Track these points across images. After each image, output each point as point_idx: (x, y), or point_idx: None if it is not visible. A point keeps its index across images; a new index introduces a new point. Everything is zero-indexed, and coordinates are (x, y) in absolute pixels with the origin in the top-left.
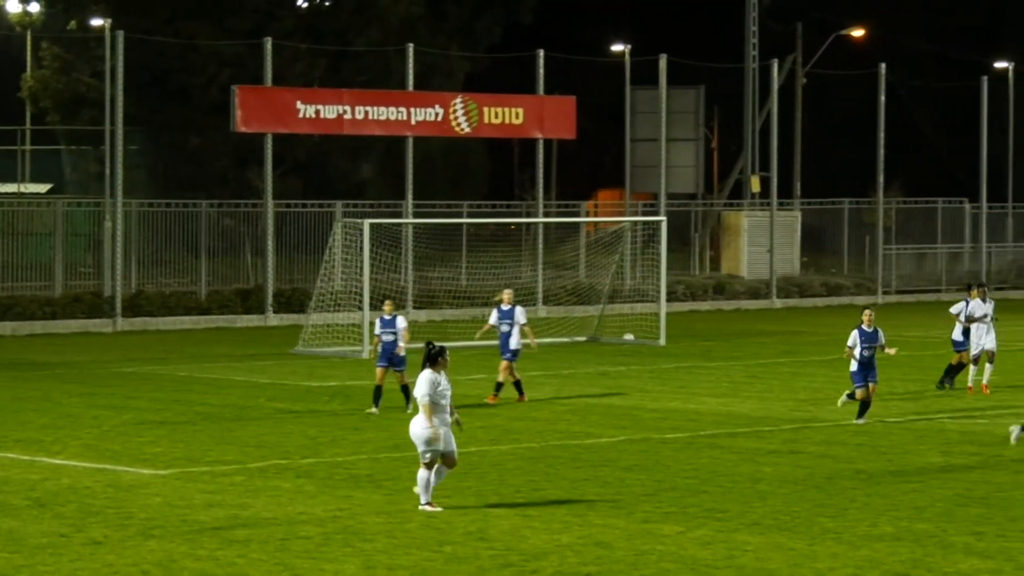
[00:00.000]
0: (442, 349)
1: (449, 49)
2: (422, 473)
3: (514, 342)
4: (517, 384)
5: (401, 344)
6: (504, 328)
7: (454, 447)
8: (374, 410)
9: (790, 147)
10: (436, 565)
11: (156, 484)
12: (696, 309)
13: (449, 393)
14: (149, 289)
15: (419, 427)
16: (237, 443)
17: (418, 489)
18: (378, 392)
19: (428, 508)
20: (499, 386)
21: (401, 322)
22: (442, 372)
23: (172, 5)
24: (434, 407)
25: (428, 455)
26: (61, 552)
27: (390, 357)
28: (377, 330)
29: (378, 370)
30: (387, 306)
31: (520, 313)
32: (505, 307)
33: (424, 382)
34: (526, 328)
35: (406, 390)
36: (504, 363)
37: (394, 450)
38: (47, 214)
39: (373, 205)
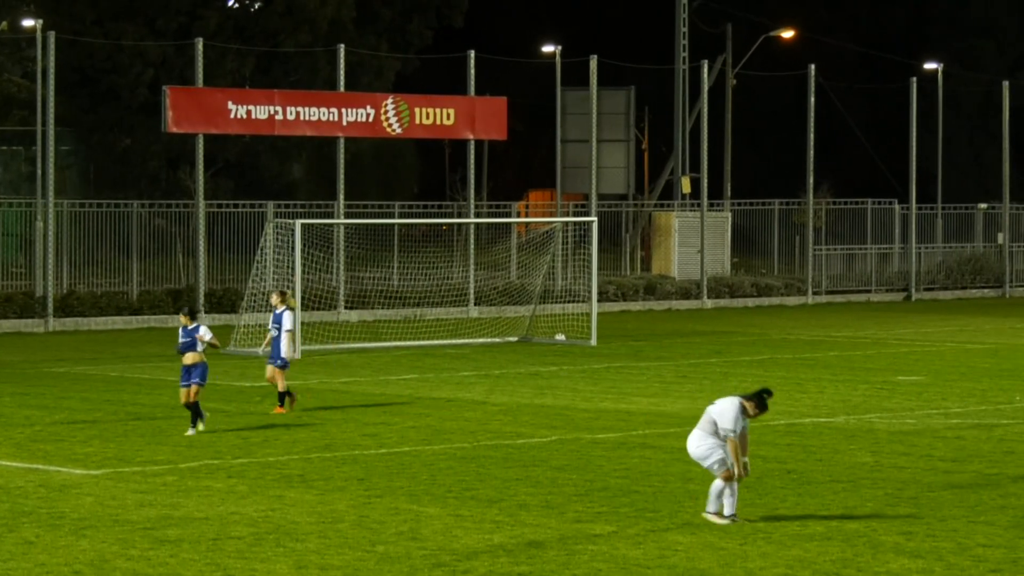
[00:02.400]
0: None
1: (379, 50)
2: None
3: (284, 348)
4: (281, 395)
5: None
6: (273, 332)
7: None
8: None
9: (720, 148)
10: (368, 565)
11: (88, 484)
12: (627, 309)
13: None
14: (81, 289)
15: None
16: (169, 443)
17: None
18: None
19: (715, 519)
20: (282, 396)
21: (205, 331)
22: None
23: (100, 6)
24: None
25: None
26: None
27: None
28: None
29: (269, 368)
30: (274, 298)
31: (288, 319)
32: (278, 310)
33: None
34: (291, 335)
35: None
36: (271, 369)
37: (325, 450)
38: None
39: (305, 205)
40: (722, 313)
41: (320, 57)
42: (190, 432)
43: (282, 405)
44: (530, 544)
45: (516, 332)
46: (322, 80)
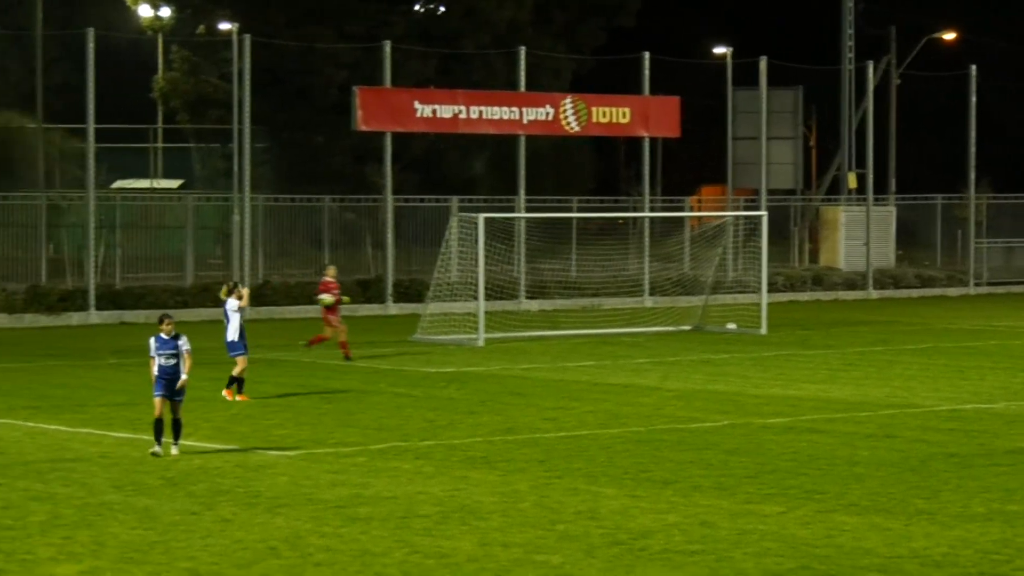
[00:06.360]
0: None
1: (555, 51)
2: None
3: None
4: (236, 380)
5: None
6: (243, 320)
7: None
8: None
9: (885, 145)
10: (548, 543)
11: (283, 464)
12: (795, 299)
13: None
14: (275, 280)
15: None
16: (359, 426)
17: None
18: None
19: None
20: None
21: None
22: None
23: (292, 10)
24: None
25: None
26: (193, 529)
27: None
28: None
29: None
30: (228, 290)
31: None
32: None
33: None
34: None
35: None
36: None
37: (508, 433)
38: (178, 208)
39: (487, 200)
40: (887, 303)
41: (498, 58)
42: (173, 452)
43: (230, 388)
44: (703, 524)
45: (689, 321)
46: (501, 80)
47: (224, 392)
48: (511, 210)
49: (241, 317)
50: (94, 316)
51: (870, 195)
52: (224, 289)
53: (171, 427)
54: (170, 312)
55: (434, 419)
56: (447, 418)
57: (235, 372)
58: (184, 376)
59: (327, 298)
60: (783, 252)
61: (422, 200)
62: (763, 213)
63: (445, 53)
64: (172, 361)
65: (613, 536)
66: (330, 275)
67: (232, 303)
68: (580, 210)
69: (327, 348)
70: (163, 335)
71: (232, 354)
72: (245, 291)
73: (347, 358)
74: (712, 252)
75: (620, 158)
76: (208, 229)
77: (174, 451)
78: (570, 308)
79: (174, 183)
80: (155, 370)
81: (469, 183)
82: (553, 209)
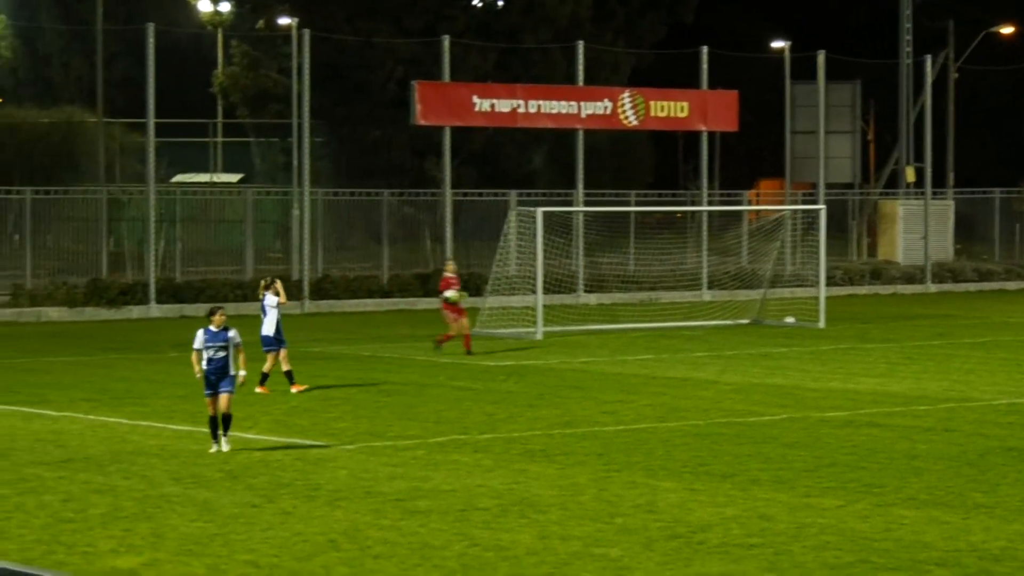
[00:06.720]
0: None
1: (615, 46)
2: None
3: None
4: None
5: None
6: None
7: None
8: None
9: (943, 139)
10: (607, 535)
11: (342, 457)
12: (854, 293)
13: None
14: (334, 273)
15: None
16: (418, 419)
17: None
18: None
19: None
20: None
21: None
22: None
23: (351, 5)
24: None
25: None
26: (253, 521)
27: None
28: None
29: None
30: (266, 286)
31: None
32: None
33: None
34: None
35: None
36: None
37: (567, 427)
38: (238, 202)
39: (545, 194)
40: (945, 297)
41: (557, 53)
42: (224, 448)
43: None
44: (761, 517)
45: (747, 315)
46: (560, 75)
47: (258, 388)
48: (569, 204)
49: (279, 312)
50: (154, 310)
51: (928, 189)
52: (262, 285)
53: (221, 422)
54: (222, 305)
55: (493, 412)
56: (506, 411)
57: (265, 368)
58: (242, 372)
59: (454, 294)
60: (841, 246)
61: (481, 194)
62: (821, 207)
63: (504, 48)
64: (221, 354)
65: (672, 529)
66: (450, 270)
67: (271, 299)
68: (638, 204)
69: (413, 342)
70: (212, 327)
71: (265, 349)
72: (280, 286)
73: (468, 352)
74: (770, 246)
75: (679, 152)
76: (268, 223)
77: (225, 447)
78: (628, 302)
79: (234, 177)
80: (203, 364)
81: (527, 177)
82: (611, 203)
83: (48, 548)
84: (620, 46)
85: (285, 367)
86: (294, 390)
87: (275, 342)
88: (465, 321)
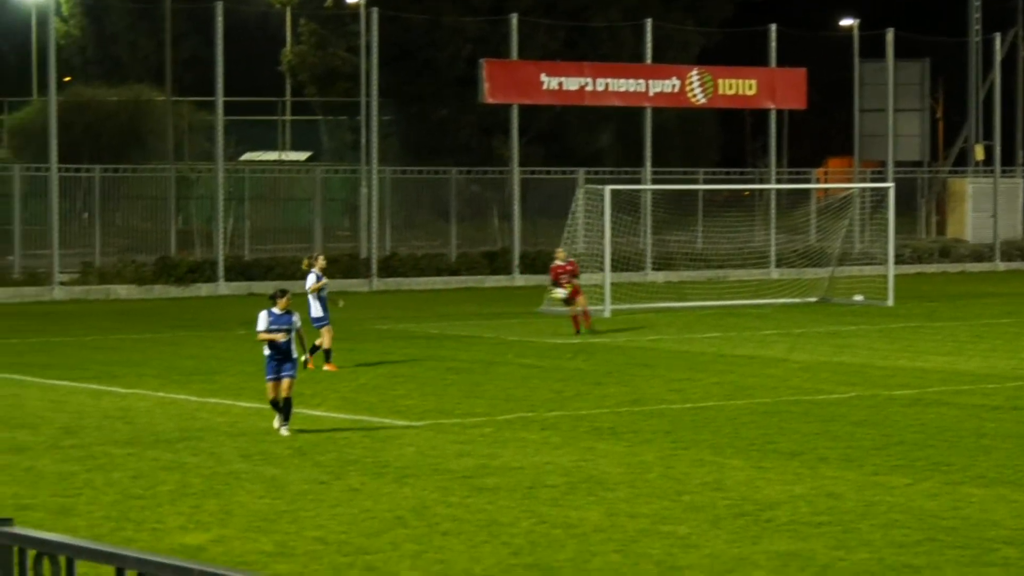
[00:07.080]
0: None
1: (684, 24)
2: None
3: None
4: (326, 351)
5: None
6: (324, 293)
7: None
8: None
9: (1012, 117)
10: (675, 513)
11: (410, 435)
12: (922, 271)
13: None
14: (402, 251)
15: None
16: (485, 396)
17: None
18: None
19: None
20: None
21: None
22: None
23: None
24: None
25: None
26: (321, 498)
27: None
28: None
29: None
30: (309, 264)
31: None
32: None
33: None
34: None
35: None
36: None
37: (634, 404)
38: (306, 181)
39: (612, 172)
40: (1014, 275)
41: (625, 32)
42: (283, 433)
43: (331, 362)
44: (829, 495)
45: (815, 293)
46: (627, 54)
47: (326, 366)
48: (637, 182)
49: (324, 291)
50: (223, 287)
51: (997, 167)
52: (305, 262)
53: (282, 406)
54: (287, 288)
55: (561, 390)
56: (574, 389)
57: (326, 345)
58: (307, 355)
59: (559, 292)
60: (910, 224)
61: (548, 172)
62: (890, 185)
63: (571, 26)
64: (285, 338)
65: (739, 507)
66: (560, 258)
67: (311, 279)
68: (706, 182)
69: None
70: (276, 310)
71: (316, 326)
72: (322, 263)
73: (576, 331)
74: (839, 224)
75: (746, 130)
76: (336, 201)
77: (284, 432)
78: (696, 280)
79: (302, 155)
80: (264, 349)
81: (595, 155)
82: (679, 181)
83: (117, 525)
84: (688, 24)
85: (317, 341)
86: (310, 366)
87: (326, 319)
88: (582, 299)
